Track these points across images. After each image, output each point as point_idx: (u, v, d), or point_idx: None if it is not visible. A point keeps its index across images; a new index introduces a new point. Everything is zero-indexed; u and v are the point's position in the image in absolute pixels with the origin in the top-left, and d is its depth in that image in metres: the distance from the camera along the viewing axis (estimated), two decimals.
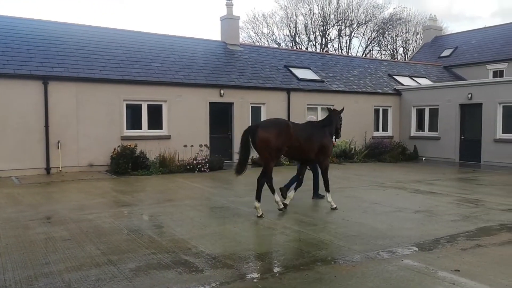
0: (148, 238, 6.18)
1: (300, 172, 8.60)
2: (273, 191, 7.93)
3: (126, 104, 14.46)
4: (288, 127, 7.71)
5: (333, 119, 8.49)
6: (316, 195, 9.33)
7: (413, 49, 40.14)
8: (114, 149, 13.47)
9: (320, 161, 8.22)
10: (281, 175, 11.25)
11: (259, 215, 7.50)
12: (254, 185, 11.24)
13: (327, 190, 8.29)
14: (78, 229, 6.64)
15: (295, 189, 8.48)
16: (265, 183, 7.77)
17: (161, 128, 15.09)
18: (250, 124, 16.56)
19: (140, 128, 14.75)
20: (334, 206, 8.22)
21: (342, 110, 8.90)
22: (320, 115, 18.57)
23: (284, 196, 8.35)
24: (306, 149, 7.95)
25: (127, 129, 14.48)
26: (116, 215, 7.70)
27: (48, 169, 13.06)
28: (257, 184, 7.73)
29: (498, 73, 23.38)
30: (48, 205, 8.56)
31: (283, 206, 7.99)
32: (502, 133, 16.38)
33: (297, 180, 8.58)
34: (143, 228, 6.75)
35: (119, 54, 15.49)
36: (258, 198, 7.62)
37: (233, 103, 16.40)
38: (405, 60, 36.12)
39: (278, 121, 7.98)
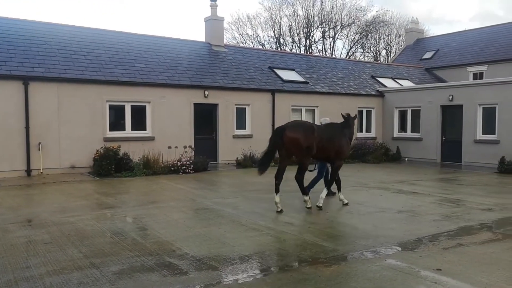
0: (132, 241, 6.11)
1: (320, 171, 9.20)
2: (277, 191, 8.14)
3: (109, 105, 14.29)
4: (313, 128, 8.17)
5: (351, 122, 9.08)
6: (328, 192, 9.55)
7: (395, 51, 40.70)
8: (97, 150, 13.29)
9: (336, 161, 8.67)
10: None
11: (308, 206, 8.18)
12: (238, 187, 11.27)
13: (339, 189, 8.91)
14: (60, 232, 6.53)
15: (311, 187, 9.15)
16: (280, 182, 8.19)
17: (145, 129, 14.96)
18: (235, 125, 16.71)
19: (124, 129, 14.60)
20: (346, 202, 8.79)
21: (356, 116, 9.49)
22: (305, 117, 18.70)
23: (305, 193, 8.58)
24: (328, 149, 8.41)
25: (110, 130, 14.31)
26: (99, 217, 7.60)
27: (28, 171, 12.81)
28: (297, 182, 8.26)
29: (478, 75, 23.88)
30: (29, 208, 8.40)
31: (280, 209, 8.07)
32: (482, 134, 16.71)
33: (315, 179, 9.22)
34: (126, 231, 6.68)
35: (102, 55, 15.31)
36: (304, 193, 8.32)
37: (217, 104, 16.37)
38: (387, 62, 36.59)
39: (303, 123, 8.54)
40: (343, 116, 9.11)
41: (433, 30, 59.45)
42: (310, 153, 8.11)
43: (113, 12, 55.91)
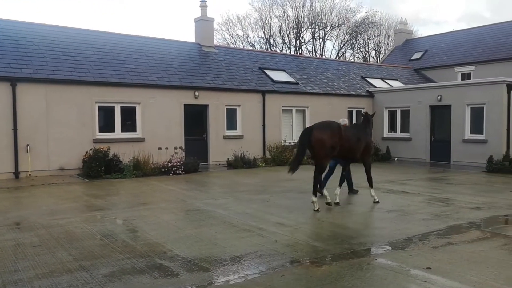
0: (122, 243, 6.07)
1: (344, 169, 9.42)
2: (316, 189, 8.41)
3: (99, 106, 14.18)
4: (339, 128, 8.40)
5: (371, 121, 9.47)
6: (351, 191, 9.99)
7: (384, 52, 40.98)
8: (86, 152, 13.18)
9: (364, 159, 9.03)
10: (266, 175, 11.27)
11: (316, 209, 8.16)
12: (229, 188, 11.26)
13: (371, 185, 9.11)
14: (49, 235, 6.46)
15: (340, 185, 9.25)
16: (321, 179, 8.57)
17: (135, 131, 14.88)
18: (225, 125, 16.69)
19: (113, 130, 14.50)
20: (377, 200, 9.00)
21: (374, 114, 10.01)
22: (295, 117, 18.75)
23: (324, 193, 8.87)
24: (354, 149, 8.71)
25: (99, 131, 14.20)
26: (89, 219, 7.53)
27: (16, 174, 12.66)
28: (314, 180, 8.39)
29: (466, 76, 24.16)
30: (17, 211, 8.29)
31: (318, 208, 8.25)
32: (470, 133, 16.89)
33: (342, 178, 9.38)
34: (116, 233, 6.63)
35: (91, 56, 15.19)
36: (314, 193, 8.37)
37: (208, 105, 16.33)
38: (377, 62, 36.83)
39: (330, 123, 8.59)
40: (362, 115, 9.50)
41: (421, 31, 60.22)
42: (333, 153, 8.35)
43: (102, 13, 55.54)
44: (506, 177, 13.42)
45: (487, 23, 29.53)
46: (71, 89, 13.61)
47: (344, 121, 10.09)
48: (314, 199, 8.26)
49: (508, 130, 15.77)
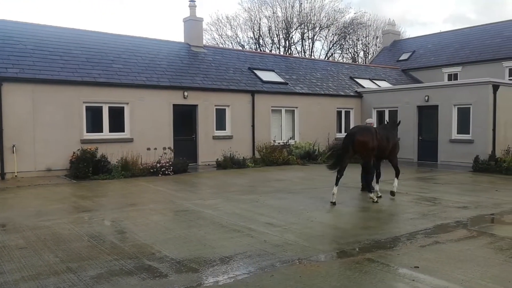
0: (110, 244, 6.01)
1: (377, 167, 10.04)
2: (336, 184, 9.01)
3: (86, 107, 14.04)
4: (376, 132, 9.40)
5: (396, 123, 10.73)
6: (368, 189, 10.27)
7: (373, 53, 41.28)
8: (74, 152, 13.04)
9: (391, 157, 9.99)
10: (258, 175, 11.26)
11: (375, 200, 9.15)
12: (218, 188, 11.24)
13: (397, 177, 10.06)
14: (35, 237, 6.37)
15: (377, 182, 9.98)
16: (341, 177, 9.12)
17: (123, 131, 14.76)
18: (215, 126, 16.65)
19: (101, 131, 14.36)
20: (380, 195, 9.75)
21: (399, 122, 11.22)
22: (285, 117, 18.79)
23: (369, 190, 9.63)
24: (386, 148, 9.62)
25: (87, 132, 14.06)
26: (76, 221, 7.45)
27: (2, 175, 12.47)
28: (366, 181, 9.65)
29: (453, 76, 24.45)
30: (3, 212, 8.16)
31: (334, 201, 8.90)
32: (457, 133, 17.10)
33: (376, 175, 10.00)
34: (104, 234, 6.57)
35: (78, 55, 15.03)
36: (369, 190, 9.51)
37: (197, 105, 16.28)
38: (365, 63, 37.09)
39: (368, 127, 9.71)
40: (391, 121, 10.47)
41: (408, 31, 60.74)
42: (374, 153, 9.33)
43: (91, 13, 55.03)
44: (492, 177, 13.62)
45: (472, 24, 30.02)
46: (59, 89, 13.45)
47: (370, 120, 11.26)
48: (371, 195, 9.29)
49: (494, 130, 15.99)
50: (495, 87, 16.05)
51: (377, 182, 9.91)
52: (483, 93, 16.14)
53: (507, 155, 15.32)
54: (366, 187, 9.88)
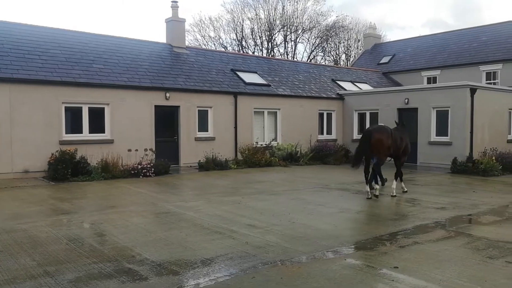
0: (89, 247, 5.91)
1: (397, 165, 10.65)
2: (367, 183, 10.08)
3: (65, 107, 13.79)
4: (391, 131, 10.10)
5: (403, 124, 11.40)
6: (371, 186, 10.76)
7: (354, 56, 41.77)
8: (52, 154, 12.77)
9: (401, 157, 10.68)
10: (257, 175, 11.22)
11: (376, 194, 9.87)
12: (200, 190, 11.18)
13: (401, 179, 10.71)
14: (12, 240, 6.22)
15: (383, 184, 10.93)
16: (369, 175, 10.07)
17: (104, 132, 14.54)
18: (197, 127, 16.56)
19: (81, 132, 14.12)
20: (406, 189, 10.71)
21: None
22: (267, 119, 18.82)
23: (372, 186, 10.35)
24: (399, 148, 10.36)
25: (66, 133, 13.80)
26: (54, 223, 7.30)
27: None
28: (376, 173, 10.27)
29: (432, 80, 24.91)
30: None
31: (370, 196, 9.82)
32: (436, 136, 17.42)
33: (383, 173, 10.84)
34: (83, 237, 6.45)
35: (57, 55, 14.76)
36: (378, 182, 10.24)
37: (179, 106, 16.17)
38: (347, 66, 37.46)
39: (385, 127, 10.32)
40: (397, 122, 11.49)
41: (388, 35, 61.60)
42: (389, 151, 10.03)
43: (72, 12, 54.16)
44: (470, 178, 13.92)
45: (450, 29, 30.63)
46: (37, 89, 13.18)
47: (381, 124, 11.63)
48: (376, 186, 10.03)
49: (471, 132, 16.35)
50: (473, 91, 16.42)
51: (383, 183, 10.82)
52: (461, 96, 16.48)
53: (484, 157, 15.68)
54: (378, 178, 10.41)
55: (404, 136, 10.64)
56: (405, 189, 10.70)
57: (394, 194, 10.15)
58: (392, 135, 10.01)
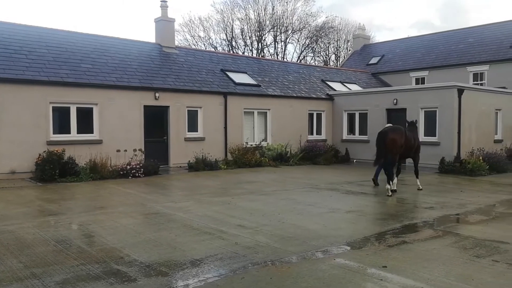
0: (77, 249, 5.85)
1: (398, 164, 11.17)
2: (390, 179, 10.54)
3: (53, 107, 13.63)
4: (405, 131, 10.77)
5: (416, 124, 12.03)
6: (377, 182, 11.94)
7: (344, 56, 41.99)
8: (40, 154, 12.62)
9: (415, 156, 11.44)
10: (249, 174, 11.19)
11: (389, 194, 10.24)
12: (189, 190, 11.14)
13: (417, 177, 11.47)
14: None
15: (397, 176, 11.23)
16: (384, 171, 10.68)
17: (92, 132, 14.40)
18: (187, 127, 16.49)
19: (69, 132, 13.97)
20: (421, 187, 11.23)
21: (416, 121, 12.58)
22: (257, 119, 18.83)
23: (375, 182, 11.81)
24: (411, 147, 11.03)
25: (54, 133, 13.64)
26: (41, 225, 7.21)
27: None
28: (388, 172, 10.55)
29: (420, 80, 25.16)
30: None
31: (390, 194, 10.29)
32: (424, 136, 17.55)
33: (397, 170, 11.19)
34: (71, 238, 6.38)
35: (45, 54, 14.59)
36: (389, 181, 10.51)
37: (169, 106, 16.09)
38: (337, 66, 37.67)
39: (399, 127, 10.98)
40: (412, 121, 11.92)
41: (377, 36, 62.01)
42: (401, 150, 10.60)
43: (61, 11, 53.59)
44: (457, 178, 14.07)
45: (437, 30, 30.94)
46: (24, 89, 13.01)
47: (389, 125, 12.10)
48: (388, 186, 10.37)
49: (459, 132, 16.53)
50: (460, 91, 16.61)
51: (397, 176, 11.17)
52: (448, 97, 16.66)
53: (472, 157, 15.86)
54: (387, 176, 10.71)
55: (416, 136, 11.34)
56: (420, 187, 11.26)
57: (421, 188, 11.16)
58: (406, 134, 10.68)
